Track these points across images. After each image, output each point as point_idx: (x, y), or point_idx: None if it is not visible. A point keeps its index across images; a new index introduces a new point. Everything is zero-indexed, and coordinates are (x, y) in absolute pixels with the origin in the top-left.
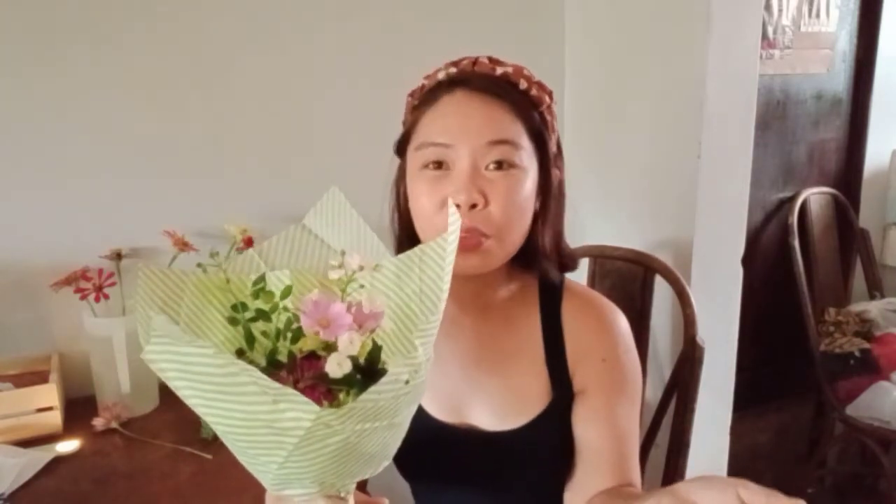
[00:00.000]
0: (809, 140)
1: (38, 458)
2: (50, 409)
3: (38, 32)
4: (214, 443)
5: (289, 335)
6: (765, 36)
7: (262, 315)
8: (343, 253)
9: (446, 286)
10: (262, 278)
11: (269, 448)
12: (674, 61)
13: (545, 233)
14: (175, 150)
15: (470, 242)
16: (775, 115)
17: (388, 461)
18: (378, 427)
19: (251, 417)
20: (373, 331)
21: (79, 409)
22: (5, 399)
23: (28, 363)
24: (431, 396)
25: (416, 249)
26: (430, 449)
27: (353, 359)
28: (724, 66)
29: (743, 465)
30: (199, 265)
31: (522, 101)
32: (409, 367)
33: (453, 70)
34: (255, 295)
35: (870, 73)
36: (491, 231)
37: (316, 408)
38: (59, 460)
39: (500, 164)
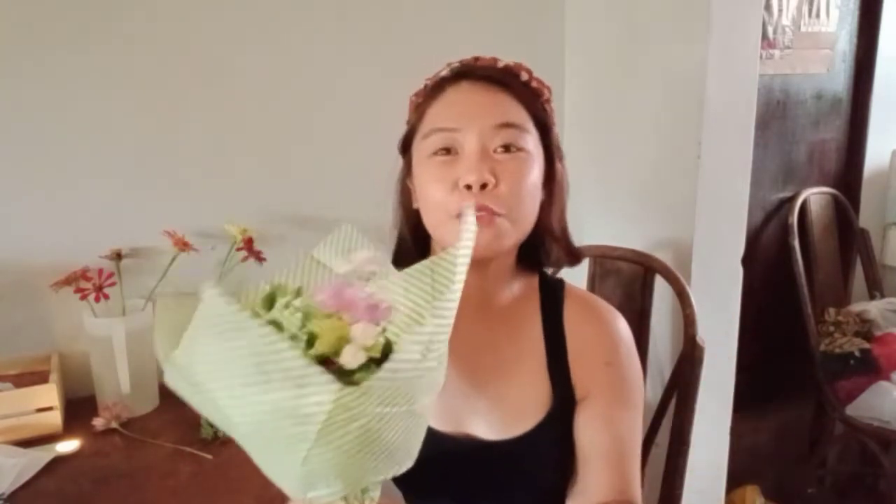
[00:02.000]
0: (809, 140)
1: (38, 458)
2: (50, 409)
3: (37, 32)
4: (214, 443)
5: (304, 338)
6: (765, 36)
7: (275, 325)
8: (351, 250)
9: (464, 264)
10: (274, 289)
11: (293, 442)
12: (674, 61)
13: (553, 220)
14: (175, 150)
15: (483, 219)
16: (775, 115)
17: (410, 461)
18: (397, 413)
19: (276, 408)
20: (384, 327)
21: (79, 409)
22: (5, 399)
23: (28, 363)
24: None
25: (427, 261)
26: (427, 460)
27: (368, 352)
28: (724, 66)
29: (743, 465)
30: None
31: (525, 90)
32: (420, 345)
33: (456, 65)
34: (268, 305)
35: (870, 73)
36: (503, 210)
37: (337, 385)
38: (59, 460)
39: (507, 147)
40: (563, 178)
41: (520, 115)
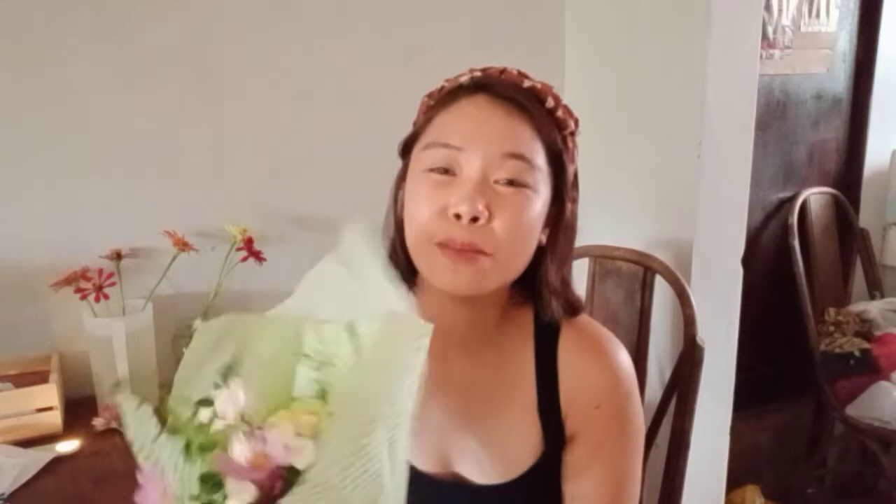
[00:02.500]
0: (809, 140)
1: (38, 458)
2: (50, 409)
3: (37, 31)
4: None
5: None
6: (765, 36)
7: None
8: (217, 384)
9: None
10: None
11: None
12: (674, 61)
13: (552, 268)
14: (175, 150)
15: (465, 255)
16: (775, 115)
17: None
18: None
19: None
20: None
21: (79, 409)
22: (5, 399)
23: (28, 363)
24: (413, 443)
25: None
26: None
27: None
28: (724, 66)
29: (743, 465)
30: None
31: (546, 119)
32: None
33: (478, 74)
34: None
35: (870, 73)
36: (490, 249)
37: None
38: (59, 460)
39: (511, 181)
40: (572, 223)
41: (533, 146)
